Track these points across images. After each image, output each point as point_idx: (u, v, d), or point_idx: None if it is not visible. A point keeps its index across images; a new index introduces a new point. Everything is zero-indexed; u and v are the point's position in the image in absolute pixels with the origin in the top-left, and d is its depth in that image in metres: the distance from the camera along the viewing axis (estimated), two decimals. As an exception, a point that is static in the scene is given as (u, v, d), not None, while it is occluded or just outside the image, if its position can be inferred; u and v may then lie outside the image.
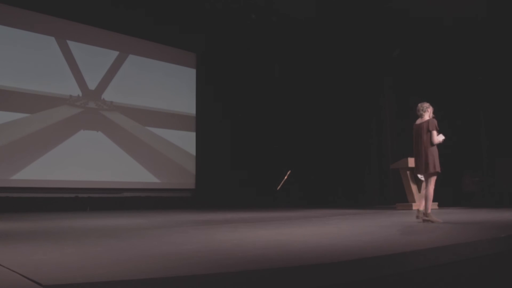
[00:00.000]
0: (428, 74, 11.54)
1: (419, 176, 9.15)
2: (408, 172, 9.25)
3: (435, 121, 5.24)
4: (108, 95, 10.86)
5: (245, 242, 3.39)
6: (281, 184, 13.57)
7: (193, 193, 12.04)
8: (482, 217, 6.14)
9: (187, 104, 12.33)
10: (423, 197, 5.26)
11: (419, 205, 8.81)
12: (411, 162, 9.21)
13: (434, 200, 5.38)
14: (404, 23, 11.09)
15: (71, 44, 10.42)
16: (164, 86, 11.94)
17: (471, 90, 11.29)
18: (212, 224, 5.43)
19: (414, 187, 9.25)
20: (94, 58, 10.72)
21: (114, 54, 11.13)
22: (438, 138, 5.17)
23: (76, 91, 10.38)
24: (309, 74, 13.48)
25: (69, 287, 1.82)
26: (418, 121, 5.38)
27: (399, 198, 10.08)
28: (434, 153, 5.21)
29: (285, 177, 13.58)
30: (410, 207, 9.11)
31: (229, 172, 12.33)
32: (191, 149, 12.23)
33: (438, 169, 5.17)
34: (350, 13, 11.17)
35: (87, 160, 10.15)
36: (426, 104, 5.38)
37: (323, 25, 11.86)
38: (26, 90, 9.61)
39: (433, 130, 5.19)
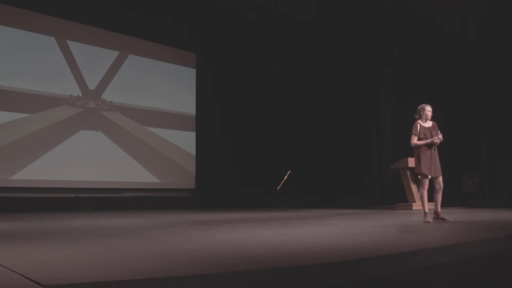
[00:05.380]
0: (428, 73, 11.53)
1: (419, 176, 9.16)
2: (408, 172, 9.25)
3: (414, 125, 5.37)
4: (108, 95, 10.86)
5: (245, 242, 3.38)
6: (281, 184, 13.57)
7: (193, 193, 12.04)
8: (482, 217, 6.13)
9: (187, 104, 12.33)
10: (435, 198, 5.35)
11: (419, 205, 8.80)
12: (411, 162, 9.20)
13: (432, 200, 5.41)
14: (404, 22, 11.09)
15: (71, 44, 10.42)
16: (164, 86, 11.95)
17: (471, 89, 11.28)
18: (212, 224, 5.43)
19: (414, 187, 9.24)
20: (94, 58, 10.73)
21: (114, 54, 11.14)
22: (414, 141, 5.30)
23: (76, 91, 10.38)
24: (309, 74, 13.48)
25: (69, 287, 1.82)
26: None
27: (399, 198, 10.08)
28: (416, 155, 5.36)
29: (285, 177, 13.58)
30: (410, 207, 9.11)
31: (229, 172, 12.34)
32: (191, 149, 12.23)
33: (419, 170, 5.28)
34: (350, 12, 11.17)
35: (87, 160, 10.15)
36: (419, 107, 5.47)
37: (323, 24, 11.86)
38: (26, 90, 9.61)
39: (411, 134, 5.36)
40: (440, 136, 5.22)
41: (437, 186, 5.27)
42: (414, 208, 9.00)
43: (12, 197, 9.14)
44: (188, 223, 5.68)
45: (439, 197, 5.29)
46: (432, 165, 5.22)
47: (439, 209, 5.33)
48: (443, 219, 5.26)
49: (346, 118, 12.99)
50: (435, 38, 11.24)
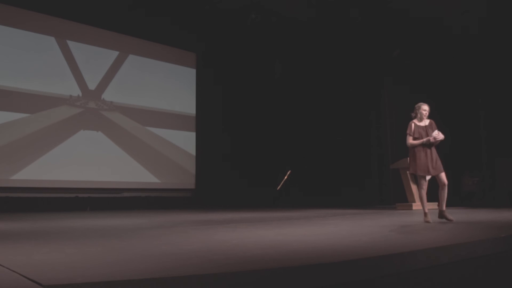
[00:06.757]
0: (428, 73, 11.54)
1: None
2: (408, 172, 9.24)
3: (409, 125, 5.32)
4: (108, 95, 10.86)
5: (245, 242, 3.38)
6: (281, 184, 13.57)
7: (193, 193, 12.04)
8: (482, 217, 6.13)
9: (187, 104, 12.33)
10: (440, 198, 5.24)
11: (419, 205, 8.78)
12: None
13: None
14: (404, 23, 11.09)
15: (71, 44, 10.42)
16: (164, 86, 11.95)
17: (471, 89, 11.29)
18: (212, 224, 5.43)
19: (414, 187, 9.25)
20: (94, 58, 10.73)
21: (114, 54, 11.14)
22: (409, 140, 5.26)
23: (76, 91, 10.38)
24: (310, 74, 13.48)
25: (69, 287, 1.82)
26: None
27: (399, 198, 10.08)
28: (410, 155, 5.32)
29: (285, 177, 13.58)
30: (410, 207, 9.11)
31: (229, 172, 12.33)
32: (191, 149, 12.24)
33: (414, 171, 5.25)
34: (350, 13, 11.17)
35: (87, 160, 10.16)
36: (416, 105, 5.40)
37: (323, 24, 11.86)
38: (26, 90, 9.61)
39: (406, 134, 5.32)
40: (436, 134, 5.07)
41: (440, 183, 5.14)
42: (414, 208, 9.00)
43: (12, 197, 9.14)
44: (188, 223, 5.68)
45: (442, 194, 5.14)
46: (429, 164, 5.11)
47: (444, 207, 5.17)
48: (446, 219, 5.14)
49: (346, 118, 12.99)
50: (436, 38, 11.24)
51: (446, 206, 5.25)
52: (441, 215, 5.21)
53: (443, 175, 5.13)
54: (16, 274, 2.10)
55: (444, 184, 5.13)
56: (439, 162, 5.18)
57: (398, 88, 12.28)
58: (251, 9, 11.44)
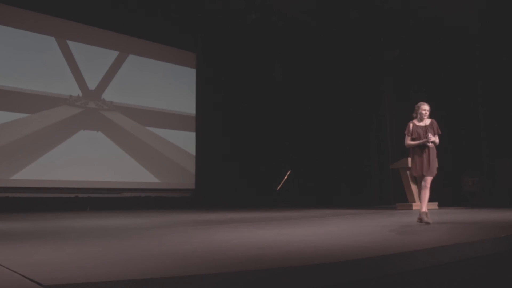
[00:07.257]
0: (428, 73, 11.53)
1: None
2: (408, 172, 9.24)
3: (407, 125, 5.30)
4: (108, 95, 10.86)
5: (245, 242, 3.38)
6: (281, 184, 13.57)
7: (193, 193, 12.03)
8: (482, 217, 6.14)
9: (187, 104, 12.33)
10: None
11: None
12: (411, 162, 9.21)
13: (432, 200, 5.35)
14: (404, 23, 11.09)
15: (71, 44, 10.42)
16: (164, 86, 11.94)
17: (471, 89, 11.28)
18: (212, 224, 5.43)
19: (414, 187, 9.25)
20: (94, 58, 10.72)
21: (114, 54, 11.13)
22: (407, 141, 5.24)
23: (76, 91, 10.38)
24: (309, 74, 13.48)
25: (69, 287, 1.82)
26: None
27: (399, 198, 10.08)
28: (410, 155, 5.31)
29: (285, 177, 13.58)
30: (410, 207, 9.10)
31: (229, 172, 12.33)
32: (191, 149, 12.23)
33: (411, 171, 5.29)
34: (350, 13, 11.17)
35: (87, 160, 10.15)
36: (416, 105, 5.36)
37: (323, 25, 11.86)
38: (26, 90, 9.61)
39: (405, 134, 5.31)
40: (430, 138, 5.02)
41: (422, 183, 5.10)
42: (414, 208, 9.00)
43: (12, 197, 9.14)
44: (188, 223, 5.68)
45: (422, 194, 5.06)
46: (424, 165, 5.07)
47: (424, 209, 5.02)
48: (422, 221, 4.94)
49: (346, 119, 12.99)
50: (436, 38, 11.24)
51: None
52: (419, 217, 5.02)
53: (429, 178, 5.09)
54: (16, 274, 2.10)
55: (425, 186, 5.08)
56: (434, 165, 5.13)
57: (398, 88, 12.28)
58: (251, 9, 11.44)
